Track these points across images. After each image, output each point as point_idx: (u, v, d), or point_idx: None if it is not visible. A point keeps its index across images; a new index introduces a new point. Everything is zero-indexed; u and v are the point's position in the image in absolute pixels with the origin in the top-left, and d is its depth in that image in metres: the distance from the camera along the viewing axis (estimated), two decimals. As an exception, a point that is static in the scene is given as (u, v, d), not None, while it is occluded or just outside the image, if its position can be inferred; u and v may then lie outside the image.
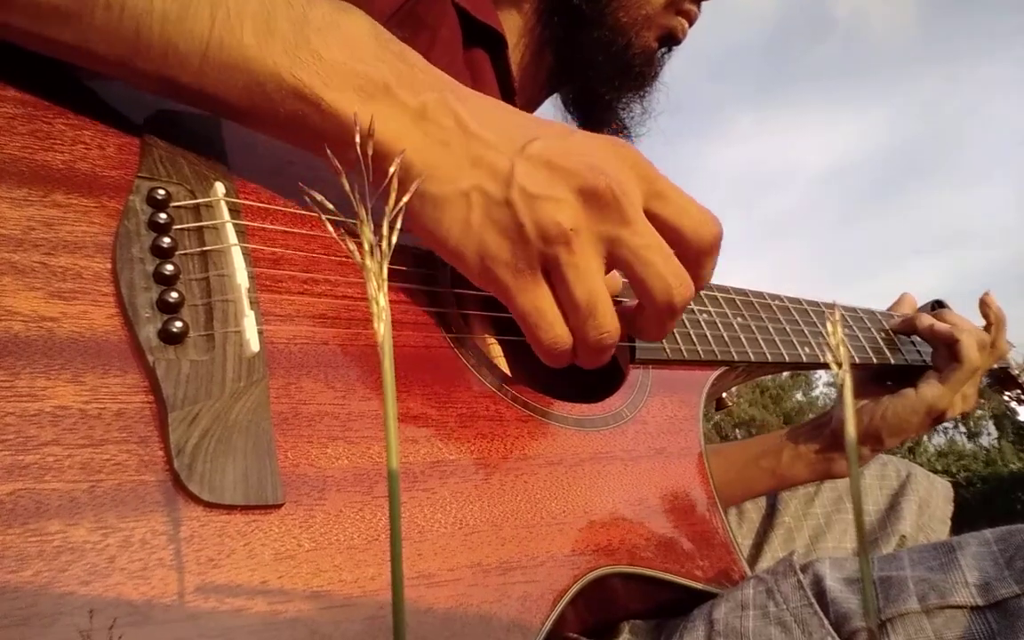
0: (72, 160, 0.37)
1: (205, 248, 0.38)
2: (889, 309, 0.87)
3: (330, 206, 0.21)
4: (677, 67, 0.74)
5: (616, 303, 0.43)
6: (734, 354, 0.65)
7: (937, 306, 0.88)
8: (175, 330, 0.34)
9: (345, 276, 0.44)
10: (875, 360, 0.78)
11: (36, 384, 0.30)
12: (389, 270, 0.19)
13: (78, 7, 0.35)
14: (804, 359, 0.71)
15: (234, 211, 0.40)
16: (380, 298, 0.19)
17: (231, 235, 0.39)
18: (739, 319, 0.69)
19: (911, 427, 0.76)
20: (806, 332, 0.74)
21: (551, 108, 0.77)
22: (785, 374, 3.78)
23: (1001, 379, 0.90)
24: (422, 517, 0.37)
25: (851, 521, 0.79)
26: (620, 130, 0.75)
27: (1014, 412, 0.92)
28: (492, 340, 0.61)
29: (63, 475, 0.29)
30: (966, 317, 0.81)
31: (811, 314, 0.77)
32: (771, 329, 0.71)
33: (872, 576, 0.42)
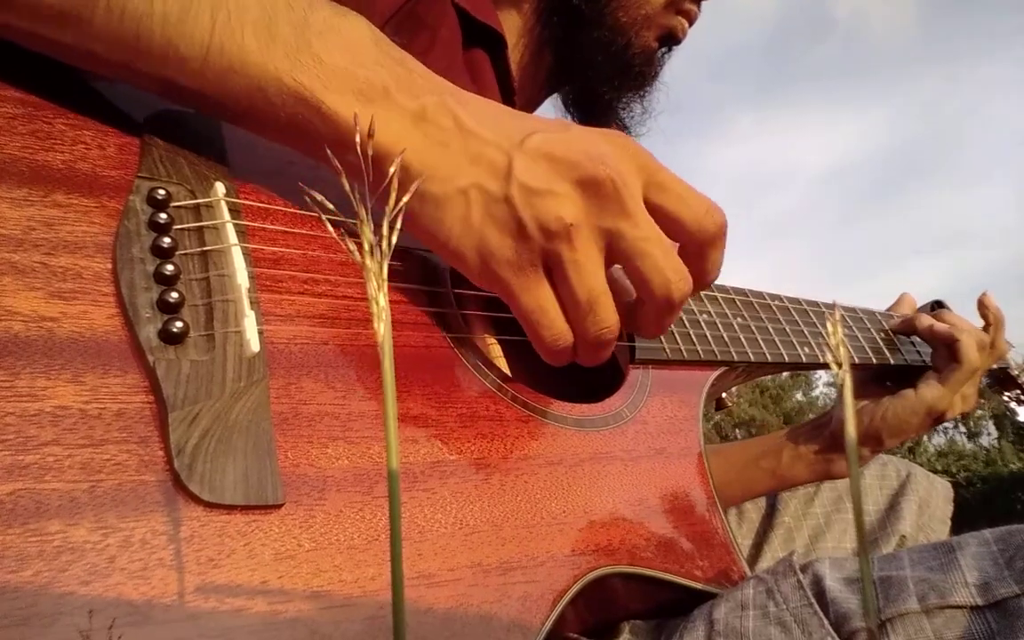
0: (72, 160, 0.37)
1: (205, 248, 0.38)
2: (889, 309, 0.87)
3: (330, 206, 0.21)
4: (677, 67, 0.74)
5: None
6: (734, 354, 0.65)
7: (937, 306, 0.88)
8: (175, 330, 0.34)
9: (345, 276, 0.44)
10: (875, 360, 0.78)
11: (36, 384, 0.30)
12: (389, 270, 0.19)
13: (78, 9, 0.35)
14: (804, 359, 0.71)
15: (234, 211, 0.40)
16: (380, 298, 0.19)
17: (231, 235, 0.39)
18: (739, 319, 0.69)
19: (911, 428, 0.76)
20: (806, 332, 0.74)
21: (551, 108, 0.77)
22: (785, 374, 3.78)
23: (1001, 379, 0.90)
24: (422, 517, 0.37)
25: (851, 521, 0.79)
26: (620, 130, 0.75)
27: (1014, 412, 0.92)
28: (492, 340, 0.61)
29: (63, 475, 0.29)
30: (966, 317, 0.81)
31: (811, 314, 0.77)
32: (771, 329, 0.71)
33: (872, 576, 0.42)
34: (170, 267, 0.36)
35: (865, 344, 0.79)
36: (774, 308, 0.74)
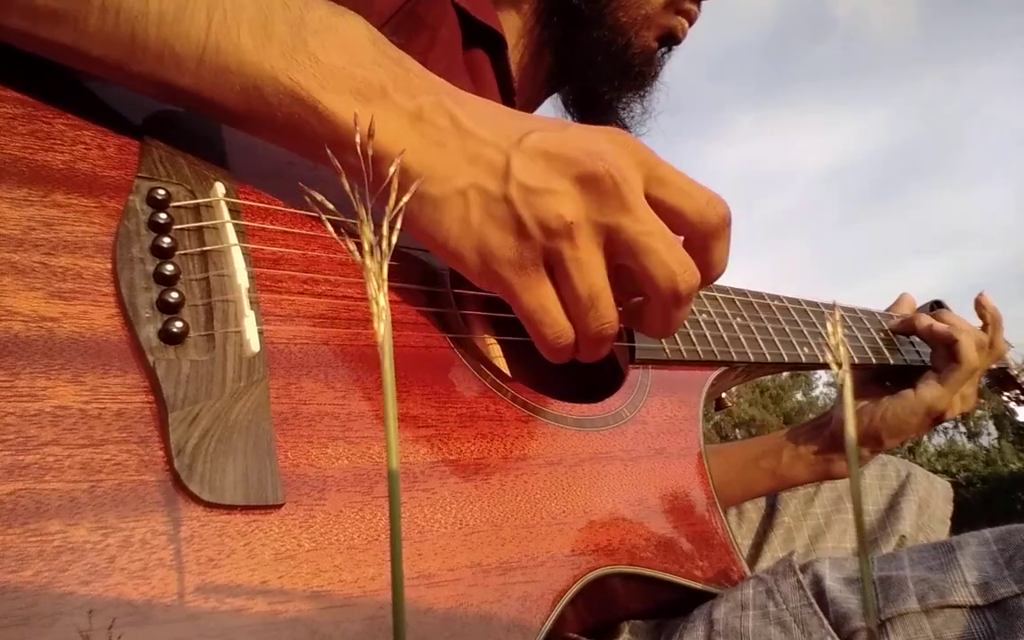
0: (72, 160, 0.37)
1: (205, 248, 0.38)
2: (888, 309, 0.87)
3: (330, 206, 0.21)
4: (677, 67, 0.74)
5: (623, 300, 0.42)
6: (734, 354, 0.65)
7: (936, 306, 0.88)
8: (175, 330, 0.34)
9: (345, 276, 0.44)
10: (874, 361, 0.78)
11: (36, 384, 0.30)
12: (389, 270, 0.19)
13: (74, 9, 0.35)
14: (804, 359, 0.71)
15: (234, 211, 0.40)
16: (380, 298, 0.19)
17: (231, 235, 0.39)
18: (739, 319, 0.69)
19: (910, 428, 0.76)
20: (806, 332, 0.74)
21: (551, 108, 0.77)
22: (785, 374, 3.78)
23: (1000, 379, 0.90)
24: (422, 517, 0.37)
25: (851, 521, 0.79)
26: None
27: (1013, 412, 0.92)
28: (492, 340, 0.61)
29: (63, 475, 0.29)
30: (965, 317, 0.81)
31: (811, 314, 0.77)
32: (771, 329, 0.71)
33: (872, 576, 0.42)
34: (170, 267, 0.36)
35: (865, 344, 0.79)
36: (774, 308, 0.74)
